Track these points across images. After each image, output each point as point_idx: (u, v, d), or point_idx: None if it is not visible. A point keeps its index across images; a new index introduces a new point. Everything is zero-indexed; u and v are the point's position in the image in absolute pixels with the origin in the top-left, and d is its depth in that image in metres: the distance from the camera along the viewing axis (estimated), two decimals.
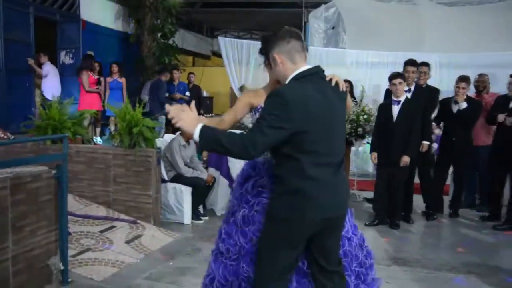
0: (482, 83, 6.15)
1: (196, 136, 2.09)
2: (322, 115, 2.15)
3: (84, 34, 9.61)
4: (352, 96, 6.94)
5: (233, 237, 2.52)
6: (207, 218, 5.51)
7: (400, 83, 5.18)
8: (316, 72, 2.24)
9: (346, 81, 7.35)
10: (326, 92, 2.20)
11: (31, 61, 8.09)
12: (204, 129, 2.09)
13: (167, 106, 2.21)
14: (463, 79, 5.59)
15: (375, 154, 5.30)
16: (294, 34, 2.27)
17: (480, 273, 3.98)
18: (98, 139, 7.43)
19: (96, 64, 8.73)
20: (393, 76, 5.23)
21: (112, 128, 8.17)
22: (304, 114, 2.09)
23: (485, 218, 5.67)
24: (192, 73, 10.54)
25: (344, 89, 2.31)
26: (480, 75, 6.26)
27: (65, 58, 9.49)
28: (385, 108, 5.36)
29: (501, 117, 5.35)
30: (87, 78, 8.14)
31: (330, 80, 2.28)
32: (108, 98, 8.59)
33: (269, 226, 2.28)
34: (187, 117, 2.12)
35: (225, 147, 2.07)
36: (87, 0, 9.84)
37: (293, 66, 2.23)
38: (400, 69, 5.79)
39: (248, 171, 2.62)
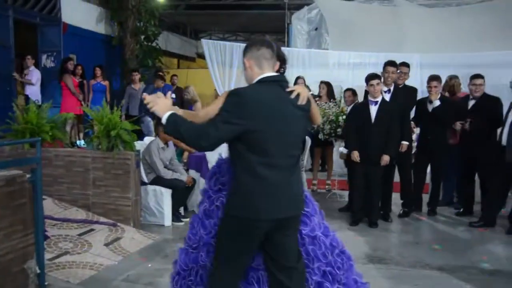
0: (450, 87, 6.27)
1: (163, 119, 2.27)
2: (274, 119, 2.26)
3: (66, 37, 9.60)
4: (332, 97, 7.02)
5: (195, 228, 2.71)
6: (188, 219, 5.53)
7: (378, 83, 5.25)
8: (278, 80, 2.38)
9: (325, 82, 7.49)
10: (282, 100, 2.33)
11: (16, 76, 8.05)
12: (172, 115, 2.27)
13: (144, 94, 2.39)
14: (434, 78, 5.71)
15: (356, 153, 5.33)
16: (266, 43, 2.41)
17: (452, 269, 4.07)
18: (81, 142, 7.42)
19: (79, 67, 8.71)
20: (370, 77, 5.30)
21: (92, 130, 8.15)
22: (256, 114, 2.22)
23: (459, 213, 5.85)
24: (175, 75, 10.55)
25: (303, 103, 2.38)
26: (451, 78, 6.38)
27: (47, 61, 9.48)
28: (361, 108, 5.43)
29: (457, 126, 5.59)
30: (71, 81, 8.13)
31: (292, 91, 2.38)
32: (91, 101, 8.56)
33: (223, 222, 2.42)
34: (161, 103, 2.32)
35: (182, 134, 2.23)
36: (69, 3, 9.83)
37: (259, 71, 2.37)
38: (382, 70, 5.88)
39: (214, 169, 2.77)
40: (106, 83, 8.70)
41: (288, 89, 2.39)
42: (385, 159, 5.22)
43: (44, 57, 9.48)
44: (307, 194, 2.70)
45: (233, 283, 2.47)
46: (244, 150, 2.27)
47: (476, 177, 5.80)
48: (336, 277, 2.68)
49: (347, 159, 5.70)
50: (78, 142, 7.58)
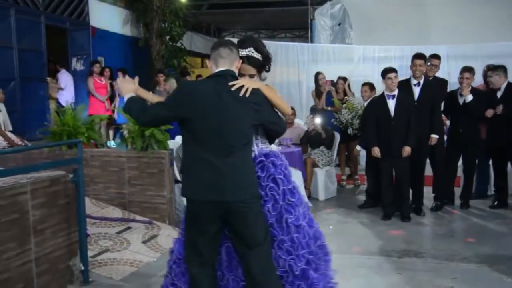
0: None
1: (125, 99, 2.71)
2: (209, 108, 2.49)
3: (94, 41, 9.82)
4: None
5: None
6: None
7: (395, 76, 5.28)
8: (223, 75, 2.57)
9: (341, 78, 7.52)
10: (222, 92, 2.52)
11: (49, 80, 8.27)
12: (130, 97, 2.70)
13: (118, 79, 2.91)
14: (467, 69, 5.64)
15: (377, 149, 5.33)
16: (223, 43, 2.66)
17: (491, 262, 4.03)
18: (111, 143, 7.58)
19: (107, 70, 8.89)
20: (387, 71, 5.32)
21: (125, 132, 8.32)
22: (188, 104, 2.51)
23: (493, 206, 5.78)
24: (200, 75, 10.63)
25: (246, 95, 2.51)
26: (488, 66, 6.27)
27: (77, 64, 9.71)
28: (379, 102, 5.41)
29: (489, 112, 5.49)
30: (92, 83, 8.30)
31: (234, 84, 2.54)
32: (118, 104, 8.70)
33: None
34: (125, 86, 2.77)
35: (130, 110, 2.67)
36: (96, 7, 10.04)
37: (215, 68, 2.62)
38: (408, 63, 5.85)
39: None
40: None
41: (231, 83, 2.53)
42: (407, 150, 5.21)
43: (74, 60, 9.71)
44: (294, 185, 2.77)
45: (198, 269, 2.63)
46: (185, 137, 2.60)
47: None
48: (318, 266, 2.76)
49: (369, 154, 5.70)
50: (108, 143, 7.74)
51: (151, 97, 2.87)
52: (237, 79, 2.59)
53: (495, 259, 4.11)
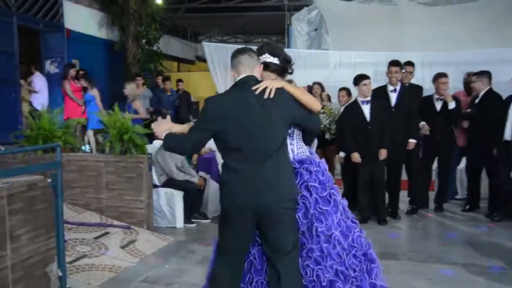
0: (468, 84, 6.33)
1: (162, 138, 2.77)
2: (237, 116, 2.53)
3: (69, 43, 9.64)
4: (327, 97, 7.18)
5: None
6: (200, 221, 5.60)
7: (369, 83, 5.40)
8: (246, 81, 2.61)
9: (317, 83, 7.59)
10: (248, 98, 2.55)
11: (23, 83, 8.09)
12: (166, 135, 2.72)
13: (153, 124, 2.90)
14: (442, 74, 5.82)
15: (357, 154, 5.39)
16: (241, 50, 2.70)
17: (464, 264, 4.15)
18: (87, 147, 7.46)
19: (82, 72, 8.75)
20: (361, 77, 5.42)
21: (100, 139, 8.22)
22: (220, 118, 2.54)
23: (466, 210, 5.94)
24: (180, 80, 10.53)
25: (270, 96, 2.54)
26: (469, 74, 6.42)
27: (50, 67, 9.50)
28: (353, 109, 5.50)
29: (465, 124, 5.63)
30: (69, 86, 8.13)
31: (257, 88, 2.57)
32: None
33: (220, 213, 2.79)
34: (159, 128, 2.78)
35: (169, 147, 2.75)
36: (71, 9, 9.87)
37: (237, 77, 2.66)
38: (383, 69, 5.97)
39: None
40: (94, 92, 7.78)
41: (254, 87, 2.56)
42: (383, 152, 5.29)
43: (48, 63, 9.52)
44: (331, 192, 2.74)
45: (228, 273, 2.66)
46: (220, 148, 2.63)
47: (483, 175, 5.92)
48: (348, 278, 2.69)
49: (346, 160, 5.75)
50: (83, 147, 7.60)
51: (186, 127, 2.86)
52: (259, 83, 2.61)
53: (468, 260, 4.23)
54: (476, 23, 10.08)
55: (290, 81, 7.06)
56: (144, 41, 11.09)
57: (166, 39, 13.65)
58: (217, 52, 9.75)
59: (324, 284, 2.64)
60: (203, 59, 12.99)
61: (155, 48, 11.45)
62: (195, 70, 16.45)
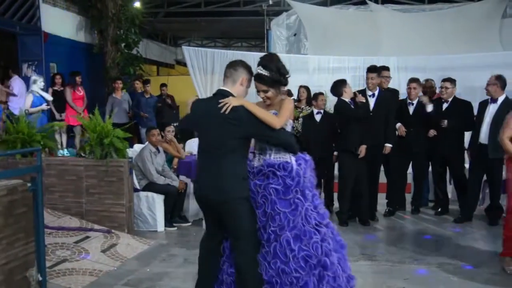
0: (429, 89, 6.51)
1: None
2: (202, 120, 3.00)
3: (47, 46, 9.53)
4: (310, 102, 7.23)
5: None
6: (181, 224, 5.62)
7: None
8: (218, 93, 2.98)
9: (304, 87, 7.67)
10: (211, 109, 2.93)
11: (2, 87, 8.00)
12: None
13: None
14: (414, 80, 5.99)
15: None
16: (230, 63, 3.05)
17: (439, 263, 4.28)
18: (65, 152, 7.40)
19: (58, 77, 8.71)
20: (345, 81, 5.58)
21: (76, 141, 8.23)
22: (193, 119, 3.13)
23: (438, 213, 6.08)
24: (164, 84, 10.41)
25: (226, 112, 2.84)
26: (427, 80, 6.63)
27: (28, 70, 9.38)
28: (346, 107, 5.59)
29: (431, 134, 5.80)
30: (70, 94, 8.46)
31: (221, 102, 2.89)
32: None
33: None
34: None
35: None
36: (48, 12, 9.77)
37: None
38: (361, 73, 6.08)
39: None
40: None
41: (220, 100, 2.88)
42: (362, 148, 5.39)
43: (25, 66, 9.40)
44: (298, 196, 2.91)
45: (203, 244, 3.17)
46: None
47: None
48: (288, 277, 2.85)
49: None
50: (60, 151, 7.53)
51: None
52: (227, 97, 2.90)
53: (443, 260, 4.36)
54: (449, 30, 10.36)
55: (290, 93, 7.17)
56: (123, 45, 11.04)
57: (145, 43, 13.63)
58: (197, 56, 9.78)
59: (266, 278, 2.89)
60: (183, 63, 13.02)
61: (134, 52, 11.41)
62: (175, 74, 16.41)
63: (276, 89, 3.01)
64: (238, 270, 2.94)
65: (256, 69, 2.99)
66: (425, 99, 5.82)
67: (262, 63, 2.98)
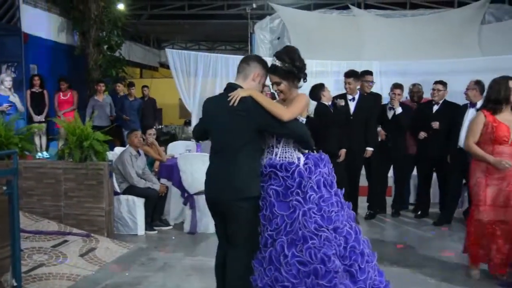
0: (416, 93, 6.59)
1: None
2: (214, 118, 2.92)
3: (27, 48, 9.40)
4: None
5: None
6: (162, 228, 5.58)
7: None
8: (228, 87, 2.91)
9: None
10: (221, 104, 2.84)
11: None
12: None
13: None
14: (398, 86, 6.02)
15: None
16: (244, 58, 3.02)
17: (418, 265, 4.33)
18: (44, 154, 7.30)
19: (36, 78, 8.62)
20: (323, 85, 5.62)
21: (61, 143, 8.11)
22: (205, 115, 3.04)
23: (418, 216, 6.13)
24: (146, 86, 10.35)
25: (234, 104, 2.76)
26: (414, 85, 6.69)
27: (7, 72, 9.23)
28: (326, 111, 5.62)
29: (421, 136, 5.85)
30: (56, 99, 8.68)
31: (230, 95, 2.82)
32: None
33: None
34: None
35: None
36: (28, 13, 9.65)
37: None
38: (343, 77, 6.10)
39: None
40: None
41: (229, 94, 2.80)
42: (342, 151, 5.46)
43: (4, 67, 9.24)
44: (298, 198, 2.74)
45: (218, 254, 3.06)
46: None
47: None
48: (280, 286, 2.69)
49: None
50: (39, 154, 7.43)
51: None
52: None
53: (421, 263, 4.41)
54: (430, 35, 10.51)
55: (273, 96, 7.13)
56: (105, 47, 10.95)
57: (128, 45, 13.53)
58: (180, 59, 9.75)
59: (261, 286, 2.75)
60: (166, 66, 12.95)
61: (117, 54, 11.32)
62: (159, 76, 16.34)
63: (289, 82, 2.89)
64: (228, 276, 2.85)
65: (272, 60, 2.90)
66: (395, 102, 5.85)
67: (277, 54, 2.91)
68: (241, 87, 2.84)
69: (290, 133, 2.82)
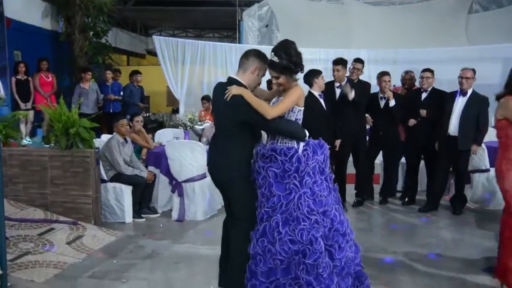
0: (409, 80, 6.58)
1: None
2: (216, 104, 3.34)
3: (10, 33, 9.19)
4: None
5: None
6: (150, 215, 5.55)
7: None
8: (226, 82, 3.21)
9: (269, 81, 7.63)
10: (220, 95, 3.12)
11: None
12: None
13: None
14: (386, 73, 6.03)
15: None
16: (245, 52, 3.24)
17: (405, 252, 4.37)
18: (27, 140, 7.18)
19: (22, 65, 8.49)
20: (319, 72, 5.53)
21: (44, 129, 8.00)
22: (213, 101, 3.45)
23: (405, 203, 6.17)
24: (138, 72, 10.06)
25: (227, 98, 3.05)
26: (407, 72, 6.66)
27: None
28: (314, 100, 5.57)
29: (411, 123, 5.86)
30: (38, 79, 8.61)
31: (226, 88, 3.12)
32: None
33: None
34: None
35: None
36: None
37: None
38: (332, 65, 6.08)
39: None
40: None
41: (227, 87, 3.09)
42: (336, 143, 5.53)
43: None
44: (295, 182, 3.04)
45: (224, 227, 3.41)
46: None
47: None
48: (272, 257, 3.04)
49: None
50: (24, 141, 7.32)
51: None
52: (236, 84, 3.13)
53: (408, 249, 4.45)
54: (418, 24, 10.54)
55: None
56: (91, 33, 10.76)
57: (115, 32, 13.31)
58: (167, 46, 9.66)
59: (252, 253, 3.10)
60: (154, 53, 12.78)
61: (103, 41, 11.14)
62: (146, 64, 16.13)
63: (287, 75, 3.11)
64: (229, 243, 3.22)
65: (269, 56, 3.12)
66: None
67: (274, 49, 3.11)
68: (239, 81, 3.14)
69: (274, 129, 3.14)
